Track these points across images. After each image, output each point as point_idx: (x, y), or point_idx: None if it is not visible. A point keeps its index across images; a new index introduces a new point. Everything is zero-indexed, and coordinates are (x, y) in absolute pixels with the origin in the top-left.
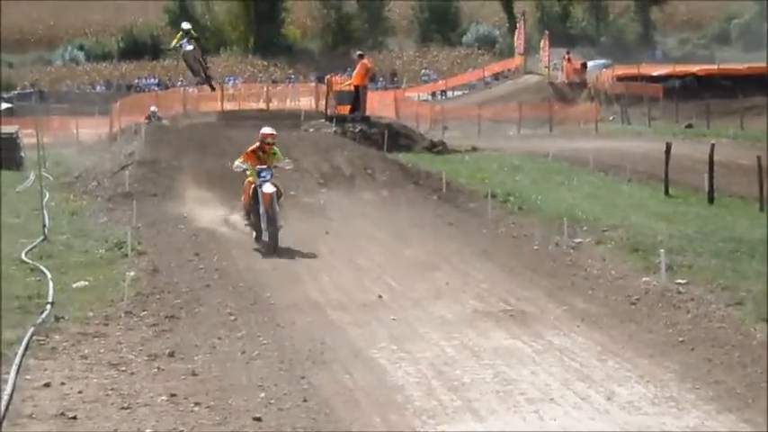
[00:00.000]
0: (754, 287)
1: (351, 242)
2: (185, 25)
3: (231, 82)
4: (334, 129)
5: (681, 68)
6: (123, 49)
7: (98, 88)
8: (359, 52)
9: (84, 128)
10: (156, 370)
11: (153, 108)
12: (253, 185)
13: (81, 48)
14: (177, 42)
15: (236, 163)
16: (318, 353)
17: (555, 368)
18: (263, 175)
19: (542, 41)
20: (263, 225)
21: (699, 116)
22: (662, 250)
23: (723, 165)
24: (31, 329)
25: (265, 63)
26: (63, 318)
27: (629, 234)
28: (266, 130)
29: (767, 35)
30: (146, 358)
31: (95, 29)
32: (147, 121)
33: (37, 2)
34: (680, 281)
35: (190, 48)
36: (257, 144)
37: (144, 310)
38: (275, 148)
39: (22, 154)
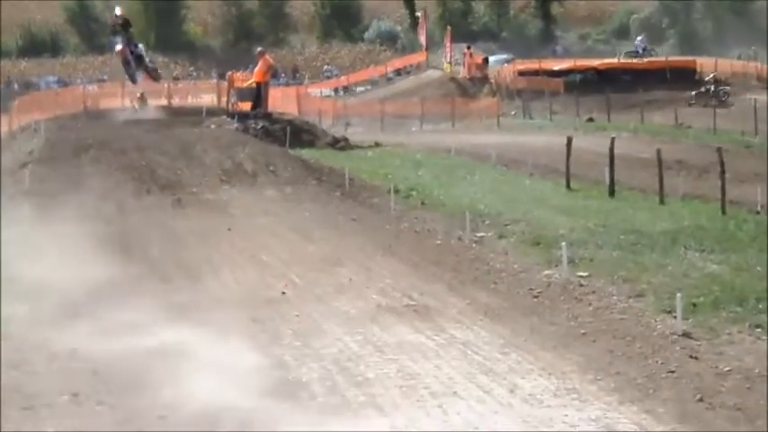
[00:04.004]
0: (654, 279)
1: (253, 238)
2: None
3: None
4: (235, 125)
5: (581, 63)
6: (22, 46)
7: None
8: (260, 48)
9: None
10: (57, 369)
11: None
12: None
13: None
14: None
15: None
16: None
17: (458, 362)
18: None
19: (445, 37)
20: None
21: (600, 110)
22: (563, 243)
23: (623, 158)
24: None
25: (166, 60)
26: None
27: (531, 228)
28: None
29: None
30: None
31: None
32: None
33: None
34: (581, 274)
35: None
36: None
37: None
38: None
39: None
